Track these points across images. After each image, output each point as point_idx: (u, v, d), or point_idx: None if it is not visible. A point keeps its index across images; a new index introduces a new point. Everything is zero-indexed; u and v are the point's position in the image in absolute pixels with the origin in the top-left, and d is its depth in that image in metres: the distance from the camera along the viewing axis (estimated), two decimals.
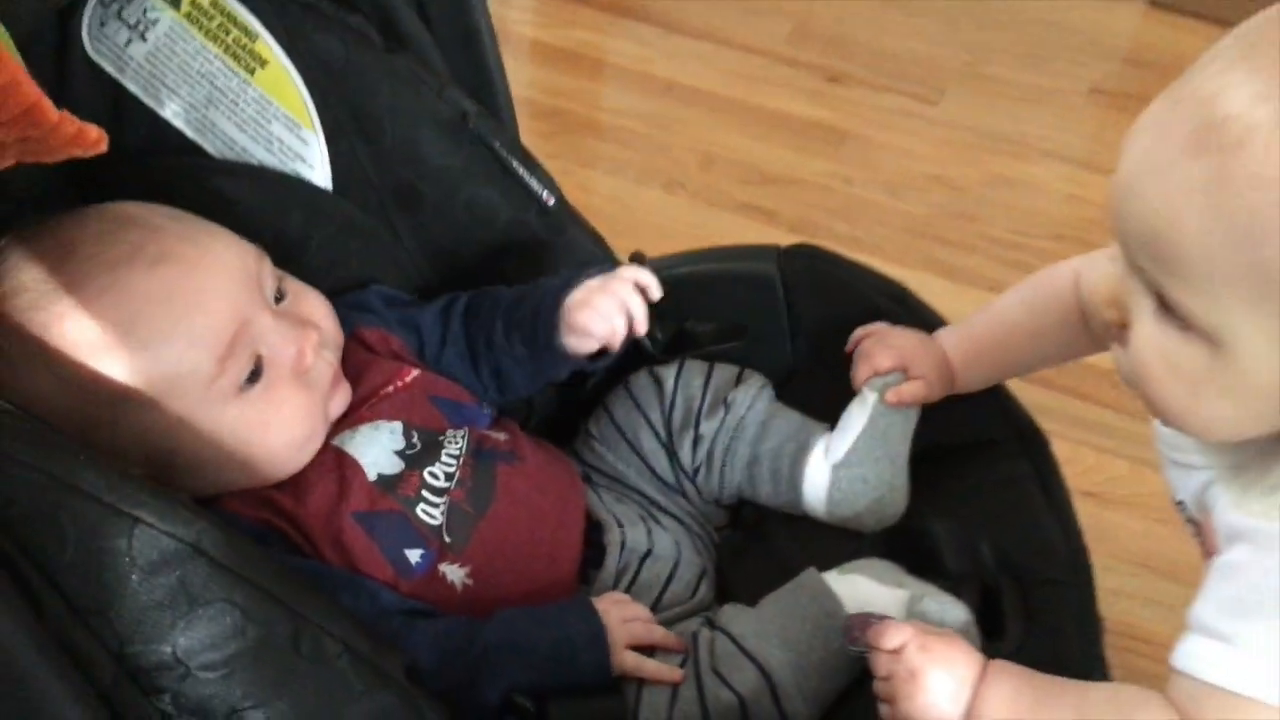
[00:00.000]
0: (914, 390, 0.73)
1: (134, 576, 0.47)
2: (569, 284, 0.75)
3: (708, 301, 0.84)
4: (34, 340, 0.61)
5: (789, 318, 0.83)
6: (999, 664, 0.59)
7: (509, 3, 2.05)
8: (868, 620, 0.61)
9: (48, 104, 0.54)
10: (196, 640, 0.48)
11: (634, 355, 0.85)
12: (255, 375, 0.66)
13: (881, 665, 0.61)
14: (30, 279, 0.62)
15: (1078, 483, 0.83)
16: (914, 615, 0.65)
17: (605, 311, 0.73)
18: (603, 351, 0.75)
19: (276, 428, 0.66)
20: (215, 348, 0.64)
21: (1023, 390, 0.83)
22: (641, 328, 0.74)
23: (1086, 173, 1.74)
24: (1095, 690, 0.57)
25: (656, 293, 0.75)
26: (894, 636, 0.60)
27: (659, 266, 0.86)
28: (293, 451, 0.67)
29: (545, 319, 0.74)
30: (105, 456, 0.52)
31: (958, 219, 1.62)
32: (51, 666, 0.43)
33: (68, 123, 0.55)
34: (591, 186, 1.62)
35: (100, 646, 0.46)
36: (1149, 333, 0.51)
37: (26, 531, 0.45)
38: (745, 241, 0.90)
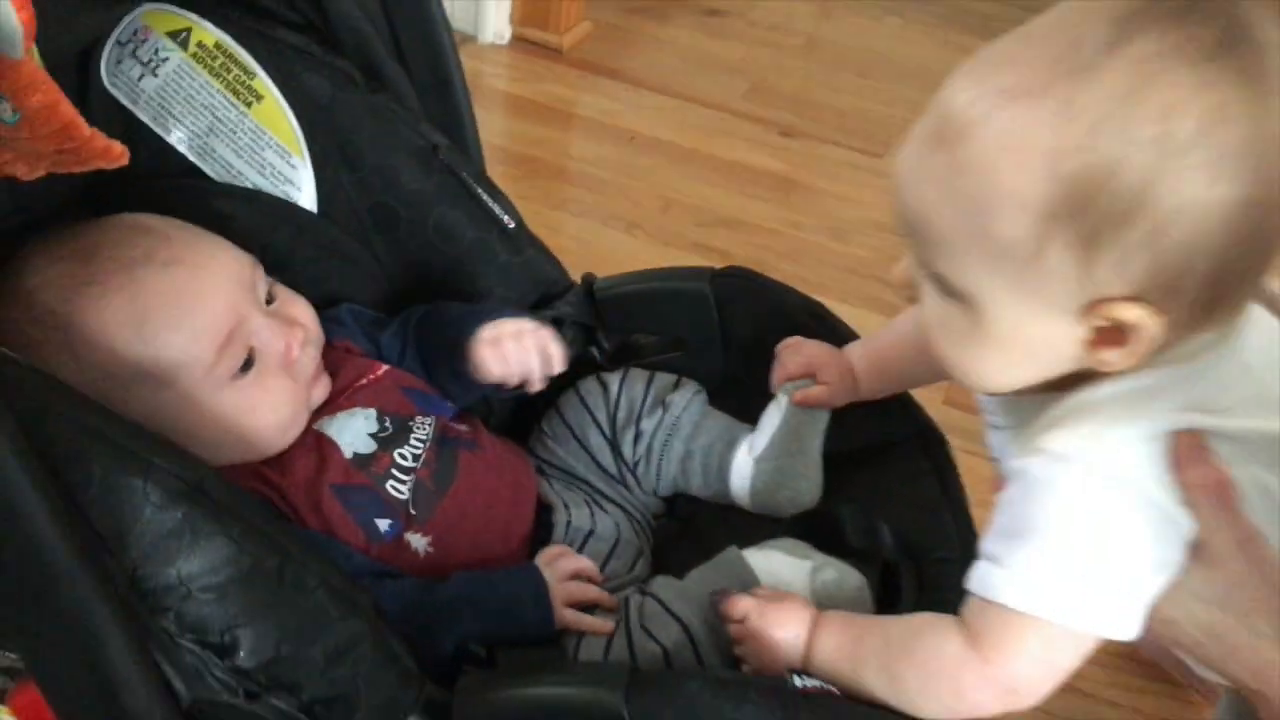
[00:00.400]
0: (818, 394, 0.83)
1: (147, 510, 0.56)
2: (483, 319, 0.83)
3: (650, 316, 0.95)
4: (60, 328, 0.71)
5: (722, 331, 0.93)
6: (827, 614, 0.69)
7: (486, 59, 2.18)
8: (726, 595, 0.71)
9: (82, 121, 0.64)
10: (197, 566, 0.57)
11: (584, 364, 0.95)
12: (248, 365, 0.75)
13: (734, 632, 0.71)
14: (57, 275, 0.72)
15: (982, 494, 0.93)
16: (817, 582, 0.75)
17: (509, 356, 0.81)
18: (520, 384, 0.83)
19: (264, 410, 0.76)
20: (214, 340, 0.73)
21: (944, 414, 0.92)
22: (537, 385, 0.82)
23: None
24: (901, 620, 0.67)
25: (560, 366, 0.83)
26: (738, 608, 0.70)
27: (608, 285, 0.97)
28: (278, 432, 0.77)
29: (457, 350, 0.83)
30: None
31: (898, 262, 1.74)
32: (84, 572, 0.52)
33: (97, 137, 0.65)
34: (558, 227, 1.73)
35: (118, 568, 0.55)
36: (929, 303, 0.60)
37: (62, 468, 0.54)
38: None
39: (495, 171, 1.98)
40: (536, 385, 0.83)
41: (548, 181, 1.87)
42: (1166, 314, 0.54)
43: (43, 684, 0.55)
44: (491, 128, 2.05)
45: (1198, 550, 0.59)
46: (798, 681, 0.64)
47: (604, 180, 1.86)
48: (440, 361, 0.86)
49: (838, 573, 0.75)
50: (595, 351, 0.95)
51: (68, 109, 0.63)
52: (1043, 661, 0.60)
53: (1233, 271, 0.54)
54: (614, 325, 0.95)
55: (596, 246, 1.70)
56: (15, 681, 0.60)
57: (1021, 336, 0.58)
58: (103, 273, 0.72)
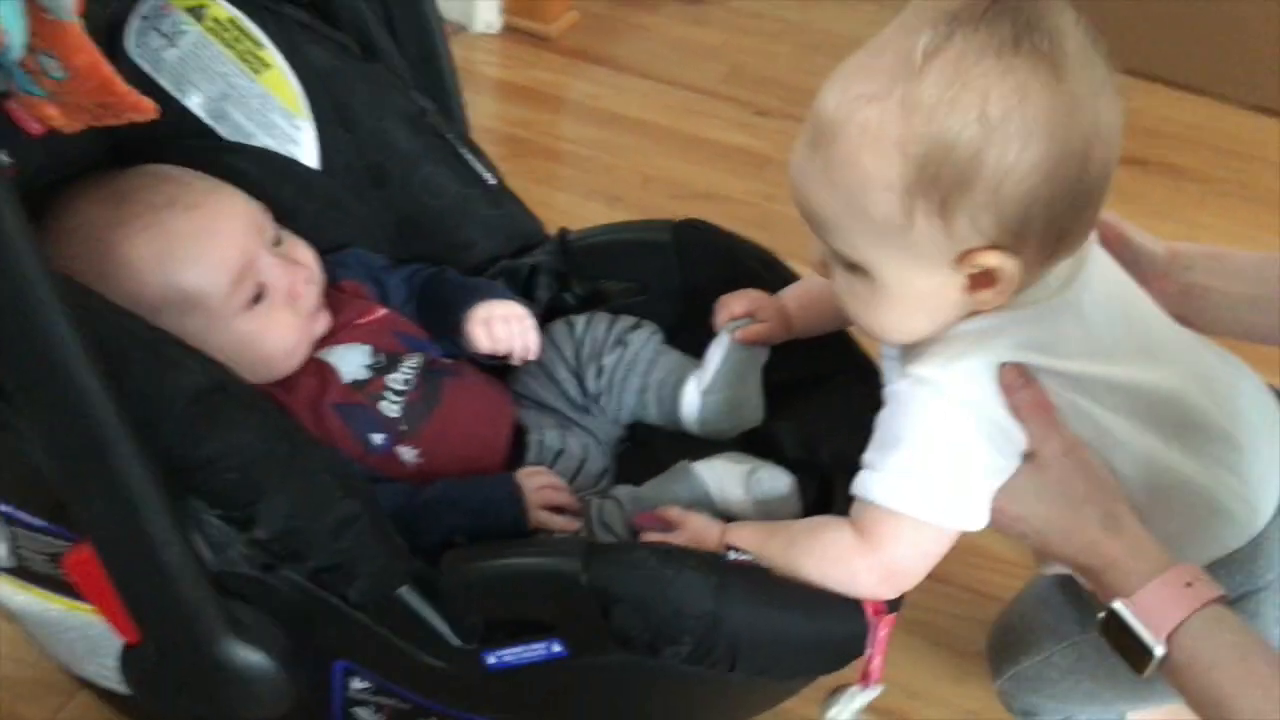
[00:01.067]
0: (757, 330, 0.93)
1: (180, 402, 0.67)
2: (480, 298, 0.94)
3: (617, 264, 1.05)
4: (95, 263, 0.82)
5: (681, 277, 1.04)
6: (734, 525, 0.80)
7: (478, 47, 2.27)
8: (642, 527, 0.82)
9: (119, 78, 0.74)
10: (221, 449, 0.68)
11: (559, 307, 1.06)
12: (258, 298, 0.86)
13: None
14: (93, 217, 0.83)
15: None
16: (751, 480, 0.86)
17: (497, 336, 0.93)
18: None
19: (273, 337, 0.87)
20: (229, 273, 0.84)
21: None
22: (515, 363, 0.94)
23: None
24: (801, 521, 0.79)
25: (535, 354, 0.95)
26: (651, 539, 0.81)
27: (580, 237, 1.08)
28: (284, 357, 0.88)
29: (453, 321, 0.94)
30: None
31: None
32: (130, 445, 0.63)
33: (131, 93, 0.76)
34: (544, 201, 1.80)
35: (156, 447, 0.66)
36: (837, 278, 0.73)
37: (111, 364, 0.65)
38: None
39: (486, 151, 2.10)
40: (514, 362, 0.95)
41: (535, 160, 1.97)
42: (1020, 255, 0.67)
43: (96, 542, 0.66)
44: (483, 111, 2.15)
45: (1030, 457, 0.73)
46: (731, 555, 0.75)
47: (588, 158, 1.97)
48: (436, 325, 0.97)
49: (769, 474, 0.86)
50: (569, 297, 1.06)
51: (107, 68, 0.74)
52: (915, 548, 0.73)
53: (1064, 213, 0.66)
54: (585, 273, 1.06)
55: (580, 218, 1.79)
56: (71, 545, 0.71)
57: (912, 292, 0.70)
58: (132, 215, 0.83)
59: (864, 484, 0.73)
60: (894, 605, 0.77)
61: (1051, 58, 0.63)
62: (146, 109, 0.77)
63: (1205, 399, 0.77)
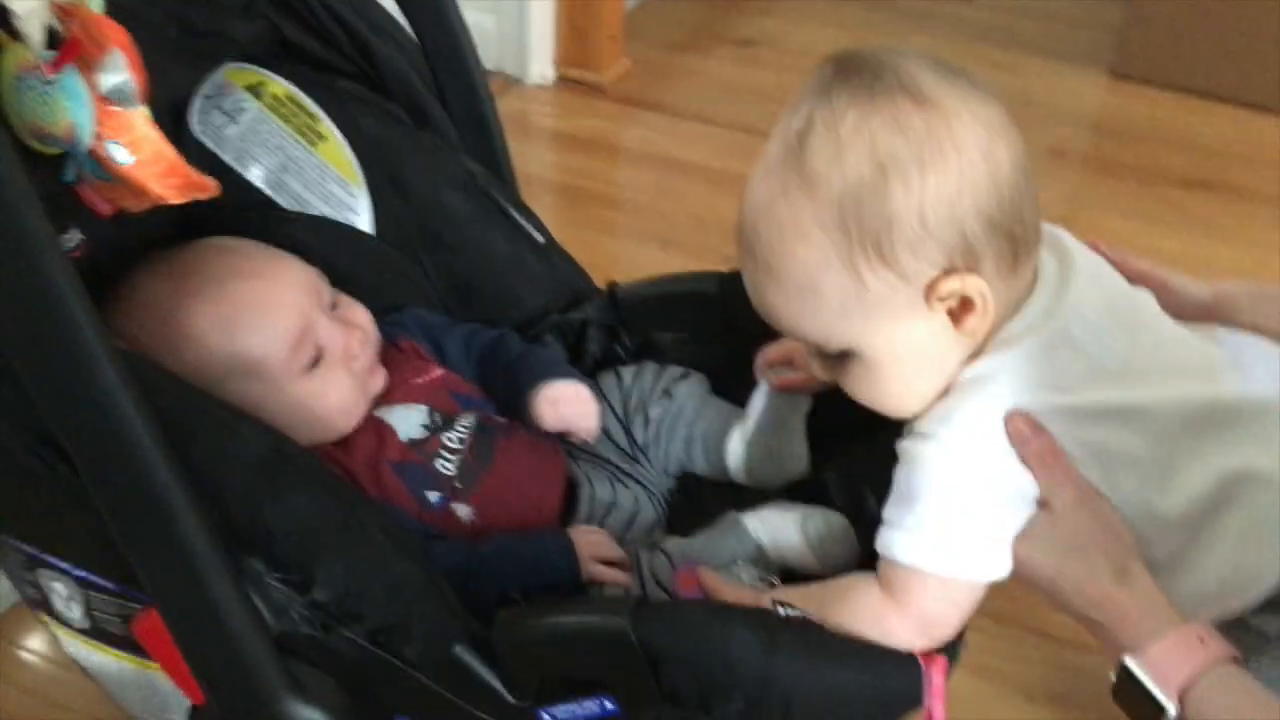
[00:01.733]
0: (794, 380, 0.94)
1: (240, 470, 0.70)
2: (546, 376, 0.96)
3: (666, 315, 1.07)
4: (160, 335, 0.86)
5: (729, 327, 1.05)
6: (770, 591, 0.81)
7: (532, 99, 2.32)
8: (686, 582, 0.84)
9: (183, 160, 0.78)
10: (279, 515, 0.71)
11: (610, 360, 1.08)
12: (316, 361, 0.89)
13: None
14: (157, 291, 0.87)
15: None
16: (808, 526, 0.86)
17: (565, 418, 0.95)
18: None
19: (331, 398, 0.90)
20: (289, 339, 0.88)
21: None
22: (588, 436, 0.96)
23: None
24: (829, 583, 0.79)
25: (595, 433, 0.97)
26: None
27: (629, 290, 1.09)
28: (342, 416, 0.91)
29: (520, 396, 0.96)
30: None
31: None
32: (192, 515, 0.66)
33: (194, 172, 0.80)
34: (597, 248, 1.86)
35: (217, 515, 0.69)
36: (827, 372, 0.76)
37: (174, 435, 0.68)
38: None
39: (543, 201, 2.14)
40: (575, 440, 0.97)
41: (592, 209, 2.01)
42: (980, 271, 0.68)
43: (162, 607, 0.69)
44: (540, 162, 2.20)
45: (1044, 506, 0.72)
46: (782, 611, 0.76)
47: (643, 204, 2.00)
48: (500, 396, 0.99)
49: (823, 516, 0.87)
50: (620, 349, 1.08)
51: (171, 151, 0.78)
52: (943, 601, 0.73)
53: (1000, 216, 0.68)
54: (635, 325, 1.08)
55: (634, 264, 1.83)
56: (141, 607, 0.74)
57: (903, 352, 0.71)
58: (194, 288, 0.87)
59: (885, 542, 0.73)
60: (950, 650, 0.77)
61: (908, 88, 0.66)
62: (209, 188, 0.80)
63: (1237, 384, 0.75)
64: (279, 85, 0.99)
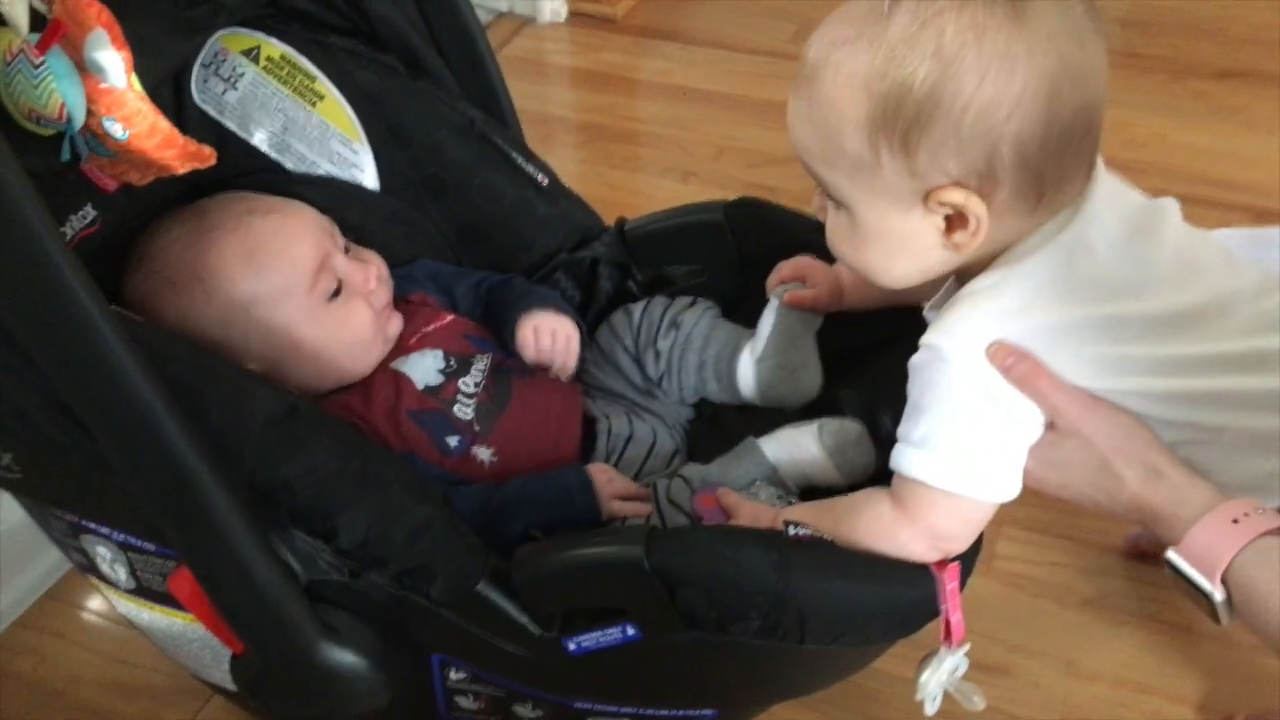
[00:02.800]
0: (805, 296, 0.95)
1: (256, 430, 0.72)
2: (534, 304, 0.98)
3: (675, 248, 1.08)
4: (188, 270, 0.88)
5: (738, 255, 1.06)
6: (788, 508, 0.82)
7: (546, 37, 2.31)
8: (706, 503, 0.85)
9: (177, 132, 0.80)
10: (298, 470, 0.73)
11: (624, 296, 1.09)
12: (336, 292, 0.92)
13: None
14: (181, 232, 0.90)
15: None
16: (823, 435, 0.87)
17: (542, 346, 0.97)
18: None
19: (351, 329, 0.92)
20: (309, 268, 0.90)
21: None
22: (562, 376, 0.99)
23: None
24: (843, 499, 0.80)
25: (573, 368, 0.99)
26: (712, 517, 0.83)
27: (637, 225, 1.10)
28: (362, 347, 0.93)
29: (508, 322, 0.99)
30: (237, 354, 0.82)
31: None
32: (211, 476, 0.68)
33: (191, 143, 0.81)
34: (616, 183, 1.86)
35: (239, 474, 0.71)
36: (829, 217, 0.75)
37: (186, 400, 0.70)
38: None
39: (563, 140, 2.12)
40: (561, 376, 0.99)
41: (606, 143, 1.99)
42: (990, 197, 0.67)
43: (190, 566, 0.72)
44: (559, 101, 2.19)
45: (1050, 427, 0.73)
46: (792, 531, 0.77)
47: (661, 136, 1.98)
48: (496, 327, 1.02)
49: (839, 424, 0.88)
50: (632, 285, 1.09)
51: (165, 124, 0.80)
52: (954, 516, 0.74)
53: (1035, 154, 0.66)
54: (645, 260, 1.08)
55: (654, 197, 1.83)
56: (176, 565, 0.77)
57: (888, 231, 0.71)
58: (216, 223, 0.90)
59: (896, 457, 0.74)
60: (967, 557, 0.77)
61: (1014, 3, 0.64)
62: (207, 157, 0.82)
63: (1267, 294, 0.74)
64: (274, 47, 1.00)
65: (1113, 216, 0.72)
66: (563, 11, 2.34)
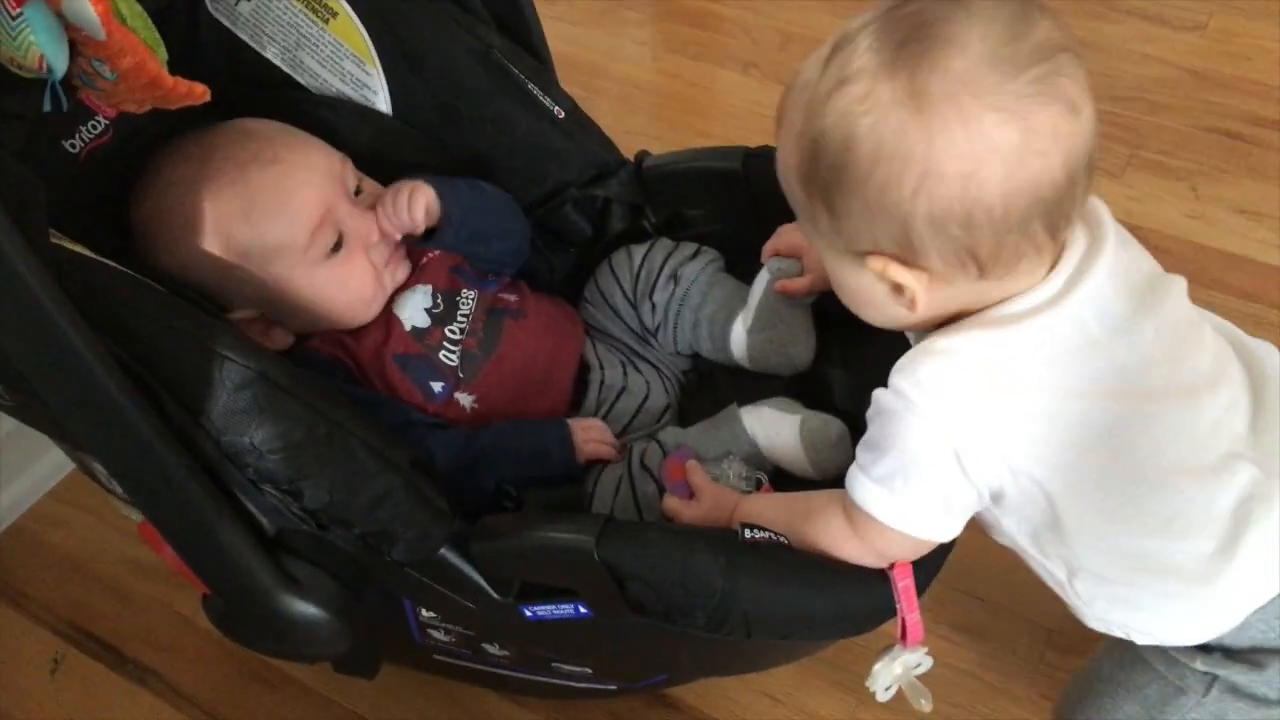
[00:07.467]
0: (797, 285, 0.92)
1: (223, 395, 0.73)
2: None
3: (692, 192, 1.04)
4: (186, 215, 0.88)
5: (753, 205, 1.02)
6: (746, 498, 0.82)
7: None
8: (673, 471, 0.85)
9: (165, 73, 0.78)
10: (264, 434, 0.74)
11: (637, 235, 1.07)
12: (337, 247, 0.91)
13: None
14: (183, 174, 0.89)
15: None
16: (803, 430, 0.86)
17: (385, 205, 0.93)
18: None
19: (351, 286, 0.92)
20: (308, 224, 0.89)
21: None
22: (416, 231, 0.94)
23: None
24: (802, 497, 0.79)
25: (409, 227, 0.94)
26: (668, 508, 0.84)
27: (655, 163, 1.06)
28: (361, 305, 0.93)
29: None
30: (231, 299, 0.84)
31: None
32: (166, 437, 0.70)
33: (180, 84, 0.80)
34: (676, 71, 1.79)
35: (206, 436, 0.73)
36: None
37: (159, 362, 0.72)
38: None
39: (620, 17, 2.00)
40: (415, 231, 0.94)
41: (667, 24, 1.90)
42: (918, 267, 0.64)
43: (153, 522, 0.75)
44: None
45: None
46: (747, 534, 0.77)
47: (726, 19, 1.89)
48: None
49: (822, 422, 0.87)
50: (646, 225, 1.07)
51: (153, 65, 0.78)
52: (904, 547, 0.73)
53: (960, 234, 0.62)
54: (661, 200, 1.06)
55: (711, 90, 1.76)
56: None
57: (847, 285, 0.68)
58: (217, 171, 0.89)
59: (854, 485, 0.73)
60: (932, 558, 0.77)
61: (937, 75, 0.59)
62: (197, 95, 0.81)
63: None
64: None
65: (1116, 293, 0.69)
66: None
